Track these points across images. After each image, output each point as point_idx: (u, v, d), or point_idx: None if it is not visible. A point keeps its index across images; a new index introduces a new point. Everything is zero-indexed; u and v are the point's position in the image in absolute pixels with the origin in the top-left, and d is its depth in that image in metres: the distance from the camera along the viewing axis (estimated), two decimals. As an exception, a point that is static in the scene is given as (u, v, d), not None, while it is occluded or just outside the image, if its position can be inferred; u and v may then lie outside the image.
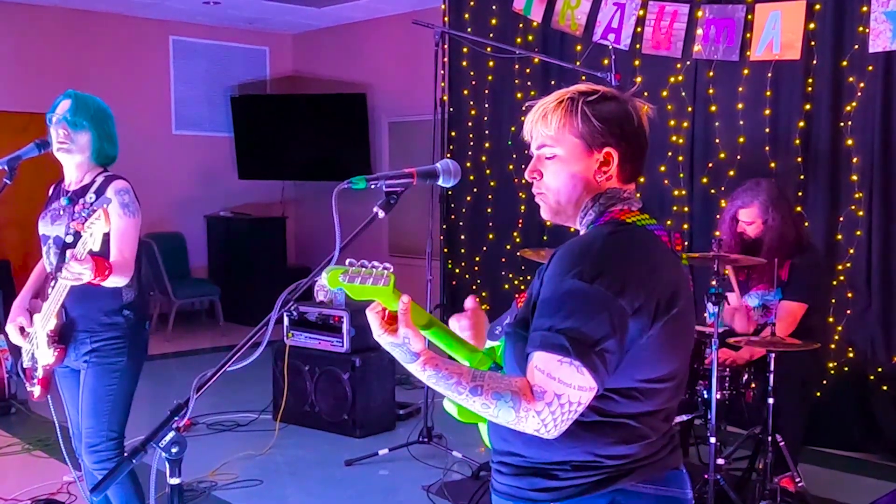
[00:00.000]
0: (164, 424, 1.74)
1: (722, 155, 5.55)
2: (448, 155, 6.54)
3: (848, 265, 5.14)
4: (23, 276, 3.51)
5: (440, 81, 5.69)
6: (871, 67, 4.99)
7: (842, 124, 5.13)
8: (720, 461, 3.84)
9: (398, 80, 8.72)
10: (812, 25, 5.17)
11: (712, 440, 3.78)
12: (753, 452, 4.18)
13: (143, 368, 3.27)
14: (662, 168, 5.76)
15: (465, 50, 6.73)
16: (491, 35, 6.45)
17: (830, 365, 5.16)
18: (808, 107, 5.24)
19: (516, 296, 1.94)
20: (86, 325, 3.11)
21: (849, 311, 5.15)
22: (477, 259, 6.94)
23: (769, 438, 3.89)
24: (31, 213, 3.67)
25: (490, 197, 6.80)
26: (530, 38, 6.39)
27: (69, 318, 3.12)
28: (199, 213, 9.54)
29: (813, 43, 5.18)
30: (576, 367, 1.55)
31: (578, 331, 1.57)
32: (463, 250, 7.02)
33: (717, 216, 5.32)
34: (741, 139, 5.47)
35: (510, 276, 6.65)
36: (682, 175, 5.72)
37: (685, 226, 5.73)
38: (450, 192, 6.73)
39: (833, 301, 5.17)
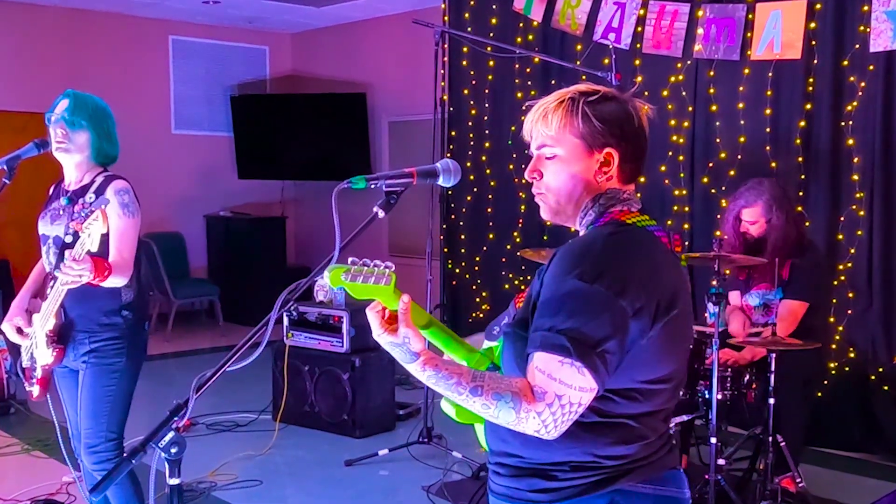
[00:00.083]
0: (163, 425, 1.74)
1: (723, 154, 5.54)
2: (448, 154, 6.53)
3: (849, 265, 5.13)
4: (22, 276, 3.50)
5: (440, 81, 5.69)
6: (871, 67, 4.98)
7: (843, 124, 5.12)
8: (721, 461, 3.83)
9: (398, 80, 8.71)
10: (813, 25, 5.16)
11: (713, 440, 3.77)
12: (754, 453, 4.17)
13: (142, 368, 3.26)
14: (663, 168, 5.76)
15: (465, 49, 6.72)
16: (491, 34, 6.45)
17: (831, 365, 5.16)
18: (808, 106, 5.23)
19: (517, 296, 1.93)
20: (85, 326, 3.10)
21: (850, 311, 5.14)
22: (477, 259, 6.93)
23: (770, 439, 3.88)
24: (31, 213, 3.65)
25: (490, 197, 6.79)
26: (530, 37, 6.39)
27: (68, 318, 3.11)
28: (199, 212, 9.53)
29: (814, 42, 5.17)
30: (577, 368, 1.55)
31: (579, 331, 1.56)
32: (463, 250, 7.01)
33: (718, 216, 5.31)
34: (742, 139, 5.46)
35: (510, 276, 6.64)
36: (682, 175, 5.72)
37: (686, 225, 5.72)
38: (450, 192, 6.73)
39: (834, 301, 5.16)
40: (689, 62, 5.61)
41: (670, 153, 5.73)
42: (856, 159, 5.08)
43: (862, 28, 4.98)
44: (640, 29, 5.74)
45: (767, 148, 5.37)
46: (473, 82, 6.82)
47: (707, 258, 3.98)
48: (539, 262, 3.98)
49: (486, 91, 6.75)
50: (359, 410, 5.35)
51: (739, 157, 5.46)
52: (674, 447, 1.77)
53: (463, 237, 7.01)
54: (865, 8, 4.95)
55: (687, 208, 5.72)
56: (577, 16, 6.03)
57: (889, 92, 4.95)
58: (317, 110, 9.12)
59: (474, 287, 6.95)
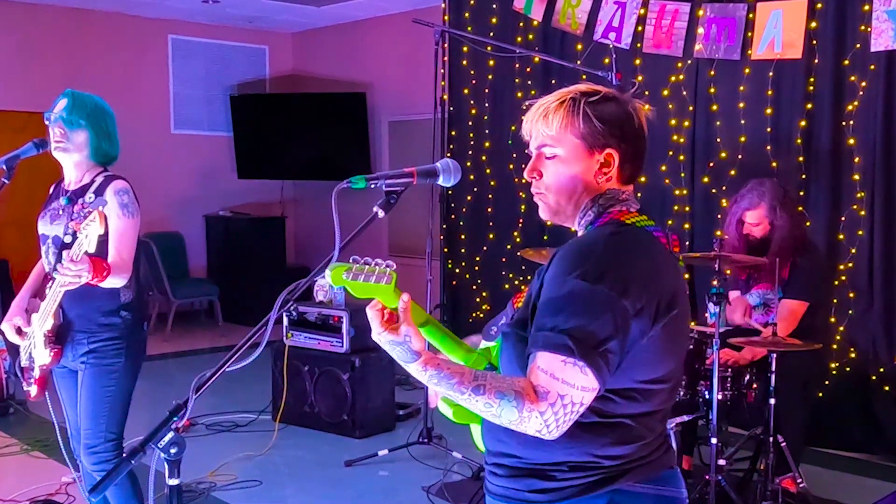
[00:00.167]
0: (162, 425, 1.73)
1: (723, 154, 5.53)
2: (448, 154, 6.52)
3: (850, 265, 5.12)
4: (21, 276, 3.50)
5: (440, 80, 5.69)
6: (873, 66, 4.97)
7: (843, 123, 5.11)
8: (721, 462, 3.82)
9: (398, 80, 8.70)
10: (814, 24, 5.15)
11: (714, 441, 3.77)
12: (755, 453, 4.17)
13: (141, 369, 3.25)
14: (663, 167, 5.75)
15: (465, 49, 6.72)
16: (491, 34, 6.44)
17: (832, 365, 5.15)
18: (809, 106, 5.22)
19: (514, 296, 1.93)
20: (83, 326, 3.10)
21: (851, 312, 5.13)
22: (477, 259, 6.93)
23: (770, 439, 3.88)
24: (30, 213, 3.65)
25: (490, 196, 6.78)
26: (531, 37, 6.38)
27: (66, 318, 3.11)
28: (198, 212, 9.53)
29: (814, 42, 5.17)
30: (579, 368, 1.55)
31: (582, 331, 1.56)
32: (463, 250, 7.00)
33: (719, 216, 5.31)
34: (742, 138, 5.45)
35: (510, 276, 6.63)
36: (683, 174, 5.71)
37: (686, 225, 5.71)
38: (450, 192, 6.72)
39: (835, 301, 5.16)
40: (689, 62, 5.60)
41: (671, 153, 5.72)
42: (857, 159, 5.07)
43: (863, 27, 4.97)
44: (640, 28, 5.73)
45: (768, 147, 5.36)
46: (474, 82, 6.81)
47: (708, 258, 3.98)
48: (539, 263, 3.96)
49: (487, 91, 6.74)
50: (359, 411, 5.34)
51: (740, 156, 5.46)
52: (670, 447, 1.77)
53: (463, 237, 7.01)
54: (866, 7, 4.94)
55: (687, 208, 5.71)
56: (578, 15, 6.02)
57: (890, 91, 4.94)
58: (317, 110, 9.12)
59: (474, 287, 6.94)
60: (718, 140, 5.56)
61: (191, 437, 5.02)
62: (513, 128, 6.38)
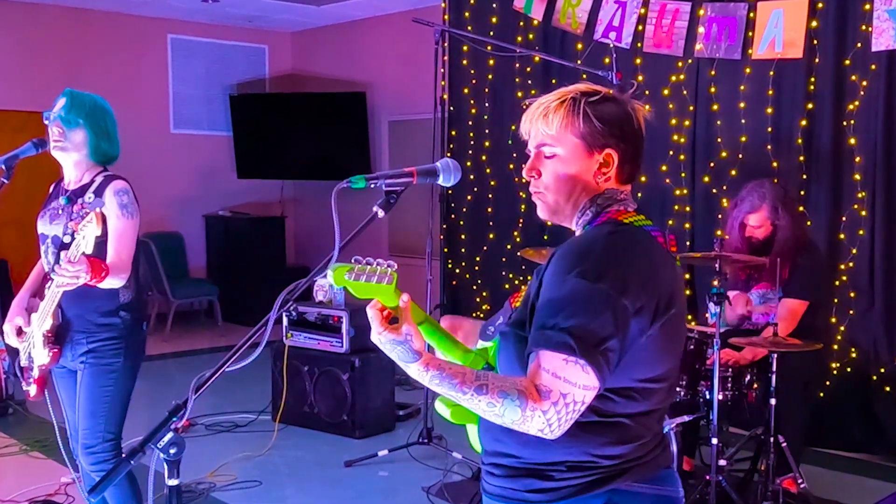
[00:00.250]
0: (162, 425, 1.73)
1: (724, 154, 5.52)
2: (448, 154, 6.52)
3: (851, 265, 5.11)
4: (21, 276, 3.49)
5: (440, 80, 5.68)
6: (873, 66, 4.96)
7: (844, 123, 5.10)
8: (722, 462, 3.81)
9: (398, 79, 8.69)
10: (814, 23, 5.14)
11: (714, 441, 3.76)
12: (755, 453, 4.17)
13: (141, 369, 3.25)
14: (664, 167, 5.74)
15: (465, 48, 6.71)
16: (491, 33, 6.43)
17: (833, 365, 5.14)
18: (810, 106, 5.22)
19: (511, 295, 1.93)
20: (82, 326, 3.09)
21: (852, 312, 5.13)
22: (477, 259, 6.92)
23: (771, 439, 3.87)
24: (29, 213, 3.64)
25: (490, 196, 6.77)
26: (531, 36, 6.37)
27: (65, 318, 3.10)
28: (198, 212, 9.52)
29: (815, 41, 5.16)
30: (581, 366, 1.55)
31: (583, 329, 1.56)
32: (463, 250, 7.00)
33: (719, 216, 5.30)
34: (743, 138, 5.44)
35: (511, 276, 6.62)
36: (683, 174, 5.70)
37: (687, 225, 5.70)
38: (450, 192, 6.71)
39: (836, 301, 5.15)
40: (690, 61, 5.59)
41: (671, 152, 5.71)
42: (857, 159, 5.06)
43: (864, 27, 4.97)
44: (640, 28, 5.72)
45: (769, 147, 5.35)
46: (474, 81, 6.80)
47: (708, 258, 3.97)
48: (539, 263, 3.96)
49: (487, 90, 6.73)
50: (358, 411, 5.33)
51: (741, 156, 5.45)
52: (667, 446, 1.78)
53: (463, 237, 7.00)
54: (867, 7, 4.93)
55: (688, 208, 5.70)
56: (578, 15, 6.01)
57: (891, 91, 4.93)
58: (316, 109, 9.11)
59: (474, 287, 6.93)
60: (719, 140, 5.55)
61: (190, 438, 5.02)
62: (513, 127, 6.37)
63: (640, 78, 5.73)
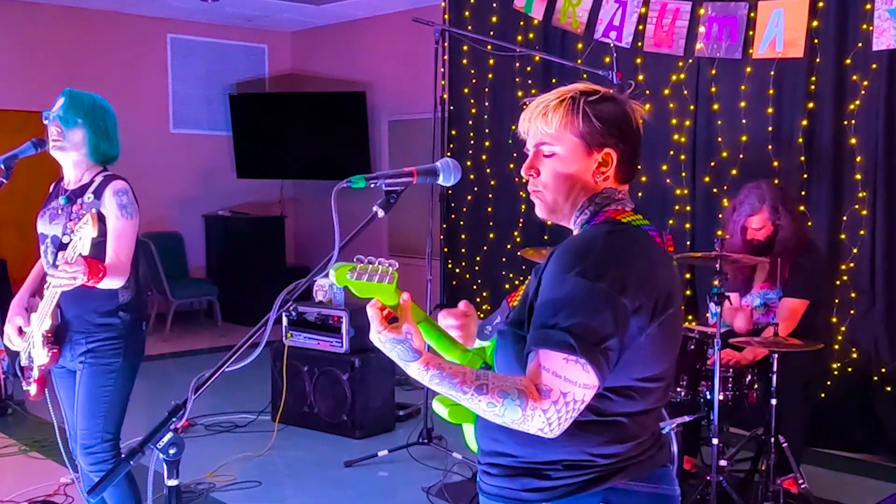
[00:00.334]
0: (161, 425, 1.73)
1: (724, 154, 5.51)
2: (448, 154, 6.51)
3: (851, 265, 5.11)
4: (20, 276, 3.48)
5: (440, 80, 5.67)
6: (874, 65, 4.95)
7: (845, 123, 5.09)
8: (723, 462, 3.81)
9: (398, 79, 8.68)
10: (815, 23, 5.13)
11: (715, 441, 3.76)
12: (756, 454, 4.16)
13: (140, 369, 3.24)
14: (664, 167, 5.73)
15: (465, 48, 6.70)
16: (491, 33, 6.42)
17: (834, 366, 5.13)
18: (811, 105, 5.21)
19: (509, 295, 1.93)
20: (81, 326, 3.08)
21: (852, 312, 5.12)
22: (477, 259, 6.91)
23: (772, 439, 3.86)
24: (28, 213, 3.63)
25: (491, 196, 6.76)
26: (531, 35, 6.36)
27: (64, 318, 3.09)
28: (198, 212, 9.51)
29: (816, 41, 5.15)
30: (581, 365, 1.56)
31: (583, 328, 1.57)
32: (463, 250, 6.99)
33: (720, 215, 5.29)
34: (744, 138, 5.43)
35: (511, 275, 6.61)
36: (684, 174, 5.69)
37: (687, 225, 5.69)
38: (450, 192, 6.70)
39: (836, 301, 5.14)
40: (690, 61, 5.58)
41: (672, 152, 5.70)
42: (858, 158, 5.06)
43: (865, 26, 4.96)
44: (641, 27, 5.71)
45: (769, 147, 5.34)
46: (474, 81, 6.79)
47: (709, 258, 3.96)
48: (540, 262, 3.95)
49: (487, 90, 6.72)
50: (358, 411, 5.32)
51: (741, 156, 5.44)
52: (663, 445, 1.79)
53: (463, 237, 6.99)
54: (868, 6, 4.92)
55: (688, 208, 5.69)
56: (578, 14, 6.00)
57: (892, 91, 4.92)
58: (316, 109, 9.10)
59: (474, 287, 6.92)
60: (719, 139, 5.54)
61: (190, 438, 5.03)
62: (513, 127, 6.32)
63: (641, 77, 5.72)
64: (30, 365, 3.18)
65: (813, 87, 5.19)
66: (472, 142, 6.84)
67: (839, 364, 5.14)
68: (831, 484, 4.59)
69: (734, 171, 5.44)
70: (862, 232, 5.06)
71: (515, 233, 6.58)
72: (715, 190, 5.57)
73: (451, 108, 6.85)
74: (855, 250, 5.09)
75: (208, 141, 9.52)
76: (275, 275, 8.71)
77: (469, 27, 6.60)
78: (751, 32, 5.32)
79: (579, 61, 5.83)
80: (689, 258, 4.78)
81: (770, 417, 3.86)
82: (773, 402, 3.86)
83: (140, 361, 3.23)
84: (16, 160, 3.01)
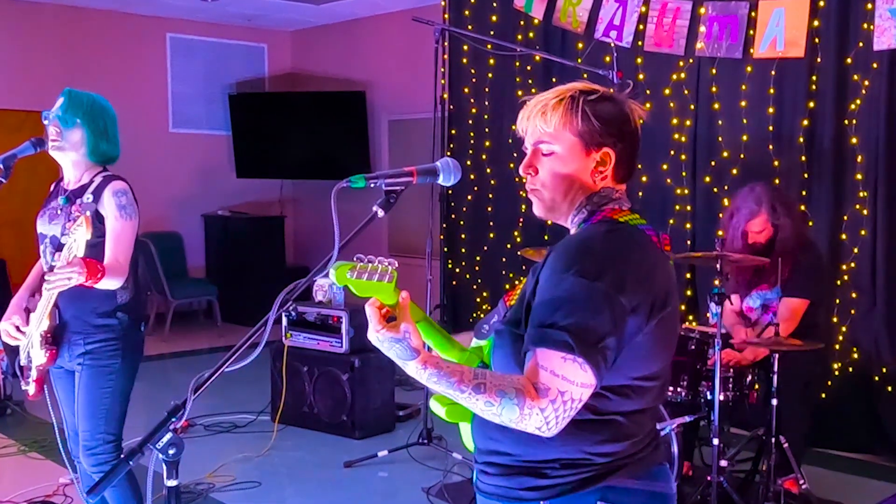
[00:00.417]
0: (161, 426, 1.72)
1: (725, 153, 5.51)
2: (448, 153, 6.50)
3: (852, 265, 5.10)
4: (19, 276, 3.48)
5: (440, 79, 5.66)
6: (875, 65, 4.94)
7: (846, 122, 5.09)
8: (723, 463, 3.81)
9: (398, 78, 8.67)
10: (816, 23, 5.13)
11: (715, 441, 3.75)
12: (757, 454, 4.16)
13: (139, 369, 3.23)
14: (665, 167, 5.72)
15: (465, 47, 6.69)
16: (492, 32, 6.42)
17: (835, 366, 5.13)
18: (811, 105, 5.20)
19: (506, 294, 1.93)
20: (78, 327, 3.07)
21: (853, 312, 5.11)
22: (477, 259, 6.90)
23: (773, 440, 3.85)
24: (28, 213, 3.62)
25: (491, 196, 6.76)
26: (531, 35, 6.35)
27: (62, 319, 3.08)
28: (197, 212, 9.50)
29: (817, 40, 5.14)
30: (579, 364, 1.56)
31: (581, 327, 1.57)
32: (463, 250, 6.98)
33: (721, 215, 5.28)
34: (744, 137, 5.43)
35: (511, 275, 6.60)
36: (684, 174, 5.68)
37: (688, 225, 5.68)
38: (450, 191, 6.70)
39: (837, 301, 5.13)
40: (691, 60, 5.58)
41: (672, 152, 5.69)
42: (859, 158, 5.05)
43: (866, 26, 4.95)
44: (641, 27, 5.70)
45: (770, 147, 5.33)
46: (474, 80, 6.79)
47: (709, 258, 3.95)
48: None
49: (487, 89, 6.72)
50: (358, 411, 5.31)
51: (742, 155, 5.43)
52: (659, 444, 1.80)
53: (463, 237, 6.98)
54: (869, 6, 4.91)
55: (689, 207, 5.68)
56: (579, 13, 5.99)
57: (893, 90, 4.91)
58: (316, 109, 9.09)
59: (474, 287, 6.92)
60: (720, 139, 5.53)
61: (189, 438, 5.02)
62: (513, 127, 6.31)
63: (641, 77, 5.72)
64: (29, 365, 3.17)
65: (814, 86, 5.19)
66: (472, 142, 6.84)
67: (840, 364, 5.14)
68: (832, 484, 4.58)
69: (735, 171, 5.43)
70: (863, 232, 5.05)
71: (515, 232, 6.58)
72: (715, 190, 5.56)
73: (451, 107, 6.84)
74: (856, 250, 5.08)
75: (208, 140, 9.51)
76: (274, 275, 8.70)
77: (469, 27, 6.60)
78: (751, 32, 5.31)
79: (580, 61, 5.83)
80: (690, 258, 4.77)
81: (771, 417, 3.86)
82: (774, 402, 3.85)
83: (139, 362, 3.22)
84: (15, 160, 3.01)
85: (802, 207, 5.14)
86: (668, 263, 1.75)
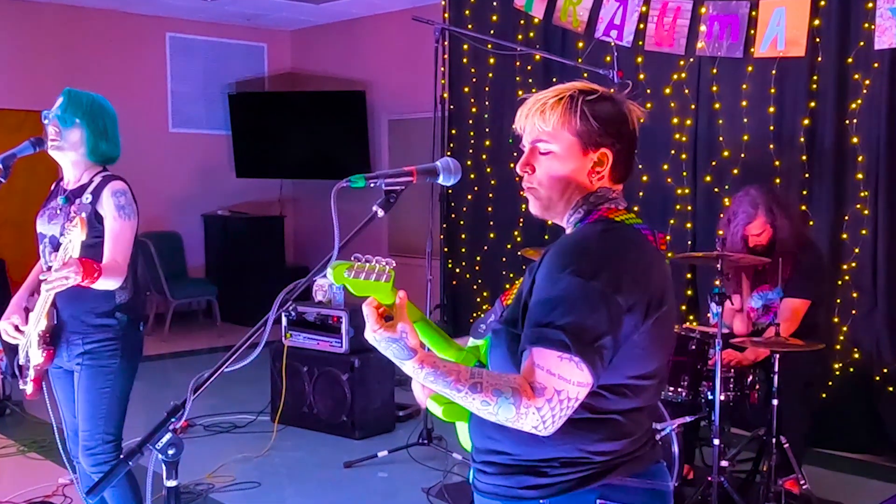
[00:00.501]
0: (160, 426, 1.71)
1: (726, 153, 5.50)
2: (448, 153, 6.49)
3: (853, 265, 5.09)
4: (18, 276, 3.47)
5: (440, 79, 5.65)
6: (876, 64, 4.94)
7: (847, 122, 5.08)
8: (724, 463, 3.80)
9: (398, 78, 8.67)
10: (817, 22, 5.12)
11: (716, 442, 3.74)
12: (757, 454, 4.15)
13: (139, 369, 3.22)
14: (665, 166, 5.71)
15: (465, 47, 6.68)
16: (492, 32, 6.41)
17: (836, 366, 5.12)
18: (812, 104, 5.19)
19: (503, 293, 1.94)
20: (77, 327, 3.06)
21: (854, 312, 5.10)
22: (478, 258, 6.89)
23: (773, 440, 3.84)
24: (27, 213, 3.61)
25: (491, 195, 6.75)
26: (531, 34, 6.35)
27: (60, 319, 3.08)
28: (197, 211, 9.49)
29: (818, 40, 5.13)
30: (575, 363, 1.56)
31: (578, 327, 1.58)
32: (463, 250, 6.97)
33: (721, 214, 5.27)
34: (745, 137, 5.42)
35: (511, 275, 6.60)
36: (685, 173, 5.67)
37: (688, 225, 5.68)
38: (450, 191, 6.69)
39: (838, 301, 5.13)
40: (691, 60, 5.57)
41: (673, 151, 5.68)
42: (860, 158, 5.04)
43: (866, 25, 4.94)
44: (642, 26, 5.69)
45: (771, 146, 5.33)
46: (474, 80, 6.78)
47: (710, 258, 3.94)
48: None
49: (487, 89, 6.71)
50: (358, 411, 5.30)
51: (742, 155, 5.43)
52: (656, 442, 1.81)
53: (463, 237, 6.97)
54: (870, 5, 4.91)
55: (689, 207, 5.68)
56: (579, 13, 5.99)
57: (893, 89, 4.91)
58: (316, 108, 9.08)
59: (475, 287, 6.91)
60: (721, 139, 5.52)
61: (189, 439, 5.01)
62: (513, 126, 6.34)
63: (642, 76, 5.71)
64: (27, 364, 3.17)
65: (814, 86, 5.18)
66: (472, 141, 6.83)
67: (841, 364, 5.13)
68: (833, 485, 4.57)
69: (735, 171, 5.43)
70: (864, 231, 5.05)
71: (515, 232, 6.57)
72: (716, 189, 5.55)
73: (451, 107, 6.83)
74: (857, 250, 5.07)
75: (207, 140, 9.50)
76: (274, 274, 8.68)
77: (469, 26, 6.59)
78: (752, 31, 5.30)
79: (580, 60, 5.82)
80: (691, 258, 4.76)
81: (771, 418, 3.85)
82: (775, 402, 3.85)
83: (138, 362, 3.21)
84: (14, 160, 3.00)
85: (803, 207, 5.14)
86: (664, 262, 1.76)
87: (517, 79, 6.45)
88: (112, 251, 3.00)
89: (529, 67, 6.41)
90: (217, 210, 9.52)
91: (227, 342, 8.00)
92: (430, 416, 4.94)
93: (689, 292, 5.66)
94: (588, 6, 5.93)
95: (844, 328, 5.13)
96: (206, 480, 4.58)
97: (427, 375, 1.61)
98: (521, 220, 6.51)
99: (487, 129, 6.73)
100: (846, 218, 5.10)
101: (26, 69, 8.18)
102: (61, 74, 7.71)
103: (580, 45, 6.03)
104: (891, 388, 4.99)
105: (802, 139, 5.22)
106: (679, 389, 3.99)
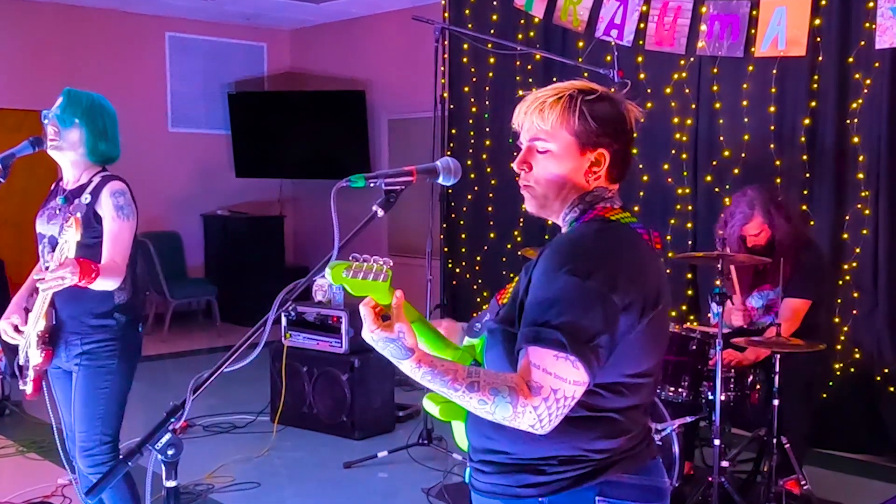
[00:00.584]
0: (160, 426, 1.71)
1: (726, 153, 5.49)
2: (448, 153, 6.48)
3: (854, 265, 5.08)
4: (17, 276, 3.46)
5: (440, 78, 5.64)
6: (877, 64, 4.93)
7: (848, 122, 5.07)
8: (724, 463, 3.79)
9: (398, 77, 8.66)
10: (818, 21, 5.11)
11: (717, 442, 3.74)
12: (758, 455, 4.14)
13: (138, 369, 3.22)
14: (666, 166, 5.70)
15: (465, 46, 6.68)
16: (492, 31, 6.40)
17: (837, 366, 5.11)
18: (813, 104, 5.18)
19: (498, 292, 1.94)
20: (75, 328, 3.05)
21: (855, 312, 5.10)
22: (478, 258, 6.89)
23: (774, 440, 3.84)
24: (26, 212, 3.61)
25: (491, 195, 6.74)
26: (532, 34, 6.34)
27: (59, 319, 3.07)
28: (196, 211, 9.48)
29: (819, 39, 5.13)
30: (571, 362, 1.57)
31: (574, 326, 1.58)
32: (463, 249, 6.97)
33: (722, 214, 5.27)
34: (746, 137, 5.41)
35: (511, 275, 6.59)
36: (685, 173, 5.66)
37: (689, 224, 5.67)
38: (450, 191, 6.68)
39: (839, 301, 5.12)
40: (692, 59, 5.56)
41: (673, 151, 5.68)
42: (861, 157, 5.04)
43: (867, 25, 4.94)
44: (642, 25, 5.69)
45: (771, 146, 5.32)
46: (474, 80, 6.77)
47: (710, 258, 3.94)
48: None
49: (487, 88, 6.70)
50: (358, 412, 5.30)
51: (743, 155, 5.42)
52: (652, 439, 1.82)
53: (463, 236, 6.97)
54: (871, 5, 4.90)
55: (690, 207, 5.67)
56: (579, 12, 5.98)
57: (894, 89, 4.90)
58: (315, 108, 9.07)
59: (475, 287, 6.90)
60: (721, 138, 5.52)
61: (188, 439, 5.00)
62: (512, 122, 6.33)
63: (642, 76, 5.70)
64: (26, 364, 3.16)
65: (815, 85, 5.17)
66: (472, 141, 6.82)
67: (841, 364, 5.12)
68: (834, 485, 4.57)
69: (736, 171, 5.42)
70: (864, 231, 5.04)
71: (515, 232, 6.56)
72: (717, 189, 5.54)
73: (451, 106, 6.82)
74: (857, 250, 5.06)
75: (207, 140, 9.50)
76: (274, 274, 8.68)
77: (469, 25, 6.58)
78: (753, 31, 5.30)
79: (580, 60, 5.81)
80: (691, 258, 4.76)
81: (772, 418, 3.84)
82: (776, 402, 3.84)
83: (137, 362, 3.21)
84: (13, 159, 2.99)
85: (804, 207, 5.13)
86: (659, 261, 1.77)
87: (517, 78, 6.44)
88: (110, 251, 2.99)
89: (529, 67, 6.41)
90: (217, 210, 9.51)
91: (227, 342, 7.99)
92: (429, 416, 4.93)
93: (690, 292, 5.65)
94: (588, 6, 5.93)
95: (845, 328, 5.12)
96: (206, 481, 4.58)
97: (424, 375, 1.62)
98: (521, 219, 6.50)
99: (487, 129, 6.73)
100: (847, 218, 5.10)
101: (26, 69, 8.18)
102: (61, 74, 7.70)
103: (580, 44, 6.02)
104: (892, 389, 4.98)
105: (803, 139, 5.21)
106: (679, 390, 3.98)
